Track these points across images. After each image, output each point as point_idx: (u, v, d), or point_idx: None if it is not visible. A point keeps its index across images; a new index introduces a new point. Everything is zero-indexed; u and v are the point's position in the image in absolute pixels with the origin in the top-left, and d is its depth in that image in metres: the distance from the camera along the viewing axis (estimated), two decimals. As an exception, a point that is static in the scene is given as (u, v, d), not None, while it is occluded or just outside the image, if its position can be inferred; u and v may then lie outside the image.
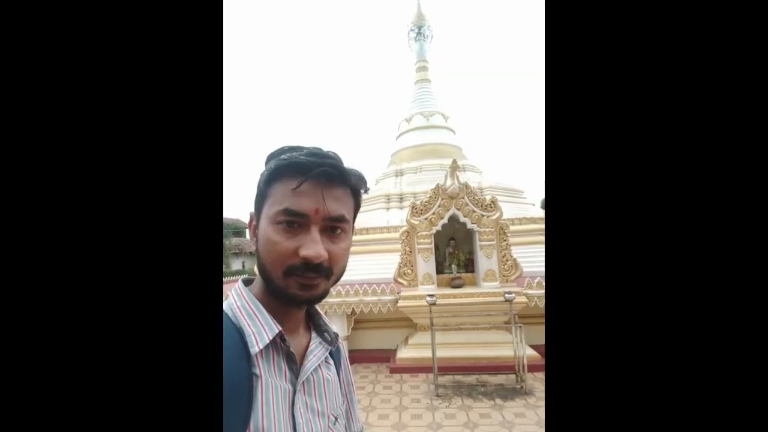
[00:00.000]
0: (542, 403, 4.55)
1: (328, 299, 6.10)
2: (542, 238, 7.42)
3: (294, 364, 0.71)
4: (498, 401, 4.69)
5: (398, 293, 6.13)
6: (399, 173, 10.98)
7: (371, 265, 7.26)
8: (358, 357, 6.50)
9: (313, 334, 0.81)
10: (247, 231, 0.77)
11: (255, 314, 0.69)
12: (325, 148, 0.72)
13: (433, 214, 6.26)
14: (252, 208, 0.73)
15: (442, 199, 6.27)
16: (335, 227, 0.69)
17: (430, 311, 5.36)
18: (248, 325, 0.68)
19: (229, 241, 27.88)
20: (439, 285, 6.28)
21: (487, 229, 6.15)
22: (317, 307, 0.84)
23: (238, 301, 0.72)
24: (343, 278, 0.79)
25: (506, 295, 5.31)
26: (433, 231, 6.24)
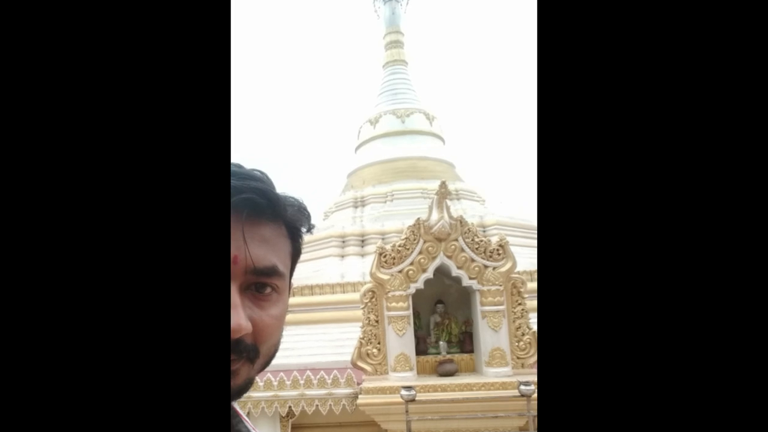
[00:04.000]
0: None
1: (253, 393, 5.99)
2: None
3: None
4: None
5: (359, 384, 6.08)
6: (359, 202, 11.07)
7: (318, 342, 7.21)
8: (297, 484, 6.36)
9: (229, 447, 0.80)
10: None
11: None
12: (248, 165, 0.73)
13: (412, 264, 6.28)
14: None
15: (425, 241, 6.31)
16: (263, 284, 0.70)
17: (407, 411, 5.32)
18: None
19: None
20: (420, 372, 6.27)
21: (494, 288, 6.19)
22: (236, 405, 0.83)
23: None
24: (276, 361, 0.79)
25: (522, 388, 5.34)
26: (412, 290, 6.26)
